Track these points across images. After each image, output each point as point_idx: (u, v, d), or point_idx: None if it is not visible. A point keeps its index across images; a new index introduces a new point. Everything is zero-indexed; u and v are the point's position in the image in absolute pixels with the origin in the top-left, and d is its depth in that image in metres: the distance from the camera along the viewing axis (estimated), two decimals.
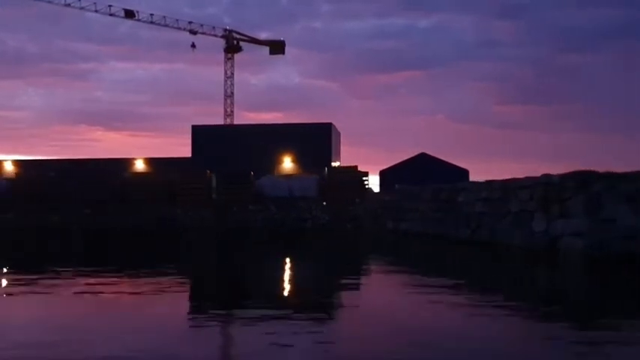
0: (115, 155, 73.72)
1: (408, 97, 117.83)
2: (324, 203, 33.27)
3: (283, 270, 14.98)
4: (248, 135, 59.91)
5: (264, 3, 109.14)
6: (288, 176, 36.19)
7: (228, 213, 33.20)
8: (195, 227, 31.96)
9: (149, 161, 61.92)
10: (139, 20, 79.90)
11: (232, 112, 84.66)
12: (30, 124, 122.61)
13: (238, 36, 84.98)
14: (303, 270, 15.21)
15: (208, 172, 35.78)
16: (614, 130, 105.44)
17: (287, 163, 54.12)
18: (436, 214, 22.31)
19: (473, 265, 15.79)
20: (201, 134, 62.82)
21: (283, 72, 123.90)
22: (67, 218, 33.01)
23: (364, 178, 35.62)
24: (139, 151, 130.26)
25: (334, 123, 63.01)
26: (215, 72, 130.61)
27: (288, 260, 17.23)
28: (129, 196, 34.58)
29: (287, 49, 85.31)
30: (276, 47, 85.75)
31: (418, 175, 45.93)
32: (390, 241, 23.92)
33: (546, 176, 16.23)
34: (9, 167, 60.42)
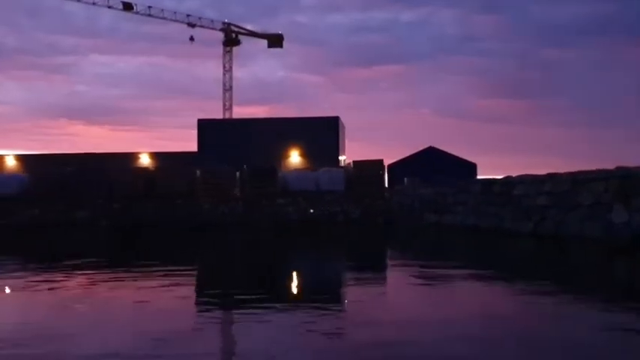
0: (98, 150, 72.87)
1: (392, 91, 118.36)
2: (353, 197, 33.19)
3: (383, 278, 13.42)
4: (254, 129, 59.65)
5: None
6: (315, 170, 35.97)
7: (258, 208, 33.05)
8: (229, 222, 31.83)
9: (154, 156, 61.50)
10: (137, 13, 78.93)
11: (231, 105, 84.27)
12: (9, 119, 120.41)
13: (237, 29, 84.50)
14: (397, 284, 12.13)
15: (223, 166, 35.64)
16: (595, 124, 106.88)
17: (294, 157, 54.00)
18: (488, 208, 22.40)
19: (568, 264, 14.22)
20: (207, 128, 62.45)
21: (267, 66, 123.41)
22: (94, 214, 32.61)
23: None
24: (121, 145, 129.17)
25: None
26: (200, 65, 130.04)
27: (370, 262, 16.31)
28: (154, 191, 34.21)
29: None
30: (275, 40, 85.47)
31: (427, 169, 46.08)
32: (440, 236, 23.27)
33: (623, 169, 16.37)
34: (10, 162, 59.73)
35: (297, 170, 37.17)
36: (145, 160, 60.34)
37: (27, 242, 24.71)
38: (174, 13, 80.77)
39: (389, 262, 16.70)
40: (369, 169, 34.19)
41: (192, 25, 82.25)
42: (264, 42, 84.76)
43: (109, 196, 33.70)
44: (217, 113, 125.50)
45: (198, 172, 35.24)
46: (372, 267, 14.87)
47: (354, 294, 10.61)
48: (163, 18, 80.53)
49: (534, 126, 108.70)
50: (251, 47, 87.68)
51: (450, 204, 25.29)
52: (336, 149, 59.73)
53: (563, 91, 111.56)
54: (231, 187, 34.39)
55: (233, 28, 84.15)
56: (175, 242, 23.36)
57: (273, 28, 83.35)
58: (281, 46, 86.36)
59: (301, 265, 15.27)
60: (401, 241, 23.03)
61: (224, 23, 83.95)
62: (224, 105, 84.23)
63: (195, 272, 14.15)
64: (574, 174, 18.53)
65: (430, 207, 27.10)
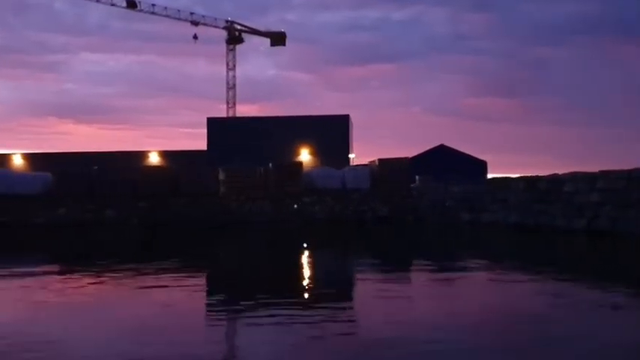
0: (88, 149, 72.43)
1: (383, 90, 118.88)
2: (379, 195, 33.20)
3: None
4: (264, 127, 59.62)
5: None
6: (341, 167, 35.95)
7: (284, 206, 32.99)
8: (256, 221, 31.77)
9: (163, 154, 61.37)
10: (140, 11, 78.60)
11: (234, 103, 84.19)
12: None
13: (240, 27, 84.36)
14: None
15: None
16: (585, 122, 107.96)
17: (304, 155, 54.00)
18: (533, 205, 22.49)
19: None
20: (216, 126, 62.35)
21: (258, 64, 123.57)
22: (122, 212, 32.39)
23: None
24: (112, 144, 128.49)
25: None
26: (190, 63, 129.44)
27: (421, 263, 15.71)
28: (180, 189, 34.04)
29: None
30: (278, 39, 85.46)
31: (438, 167, 46.27)
32: (489, 235, 22.87)
33: None
34: (18, 161, 59.34)
35: (321, 168, 37.05)
36: (154, 159, 60.23)
37: (75, 242, 24.58)
38: (178, 11, 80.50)
39: (460, 264, 15.08)
40: (394, 166, 34.17)
41: (195, 23, 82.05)
42: (267, 40, 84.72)
43: (133, 195, 33.47)
44: (208, 111, 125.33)
45: (221, 170, 35.13)
46: (450, 268, 14.56)
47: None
48: (167, 16, 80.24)
49: (525, 124, 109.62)
50: (253, 46, 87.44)
51: (488, 202, 25.35)
52: (346, 147, 59.88)
53: (553, 89, 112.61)
54: (257, 185, 34.24)
55: (236, 26, 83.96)
56: (215, 242, 23.30)
57: (263, 27, 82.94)
58: (284, 44, 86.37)
59: (358, 277, 13.32)
60: (450, 240, 22.40)
61: (227, 21, 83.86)
62: (227, 103, 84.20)
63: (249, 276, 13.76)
64: (630, 171, 18.65)
65: (465, 205, 27.16)
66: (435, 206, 30.16)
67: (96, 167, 35.86)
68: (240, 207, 33.30)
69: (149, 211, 32.72)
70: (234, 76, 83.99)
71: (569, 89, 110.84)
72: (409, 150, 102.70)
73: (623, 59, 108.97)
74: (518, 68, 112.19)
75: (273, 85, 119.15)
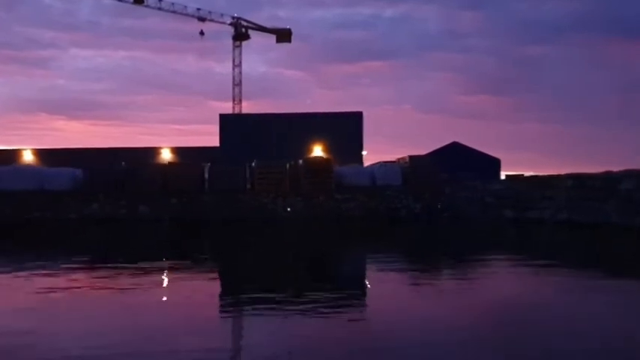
0: (77, 145, 71.85)
1: (374, 88, 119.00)
2: (412, 192, 33.20)
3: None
4: (277, 124, 59.48)
5: None
6: (371, 164, 35.90)
7: (317, 203, 32.92)
8: (290, 218, 31.73)
9: (176, 151, 61.07)
10: (147, 7, 78.21)
11: (240, 100, 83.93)
12: None
13: (246, 23, 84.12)
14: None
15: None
16: (574, 120, 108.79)
17: (317, 152, 53.89)
18: (585, 203, 22.58)
19: None
20: (229, 123, 62.12)
21: (249, 61, 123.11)
22: (155, 209, 32.18)
23: None
24: (103, 140, 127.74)
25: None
26: (181, 60, 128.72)
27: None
28: (210, 185, 33.87)
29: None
30: (283, 35, 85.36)
31: (451, 165, 46.33)
32: (544, 233, 22.47)
33: None
34: (28, 157, 58.81)
35: (353, 165, 37.01)
36: (166, 155, 59.90)
37: (117, 239, 24.45)
38: (185, 7, 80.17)
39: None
40: (425, 163, 34.20)
41: (202, 20, 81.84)
42: (273, 37, 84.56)
43: (163, 191, 33.28)
44: (200, 108, 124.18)
45: (250, 166, 35.03)
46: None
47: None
48: (173, 12, 79.87)
49: (516, 122, 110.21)
50: (259, 42, 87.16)
51: (536, 199, 25.42)
52: (359, 144, 59.82)
53: (544, 87, 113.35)
54: (287, 181, 34.12)
55: (242, 22, 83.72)
56: (259, 241, 23.18)
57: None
58: (289, 40, 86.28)
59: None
60: (506, 239, 21.76)
61: (233, 17, 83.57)
62: (233, 99, 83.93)
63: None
64: None
65: (507, 202, 27.22)
66: (471, 203, 30.19)
67: (123, 163, 35.64)
68: (273, 203, 33.20)
69: (181, 207, 32.55)
70: (240, 73, 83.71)
71: (559, 87, 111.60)
72: (402, 148, 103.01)
73: (613, 57, 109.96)
74: (509, 66, 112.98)
75: (264, 82, 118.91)
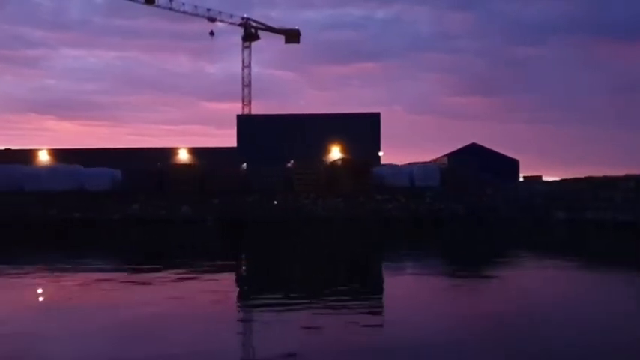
0: (69, 145, 71.36)
1: (364, 88, 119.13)
2: (452, 193, 33.23)
3: None
4: (294, 125, 59.42)
5: None
6: (410, 165, 35.92)
7: (358, 204, 32.87)
8: (331, 218, 31.65)
9: (193, 151, 60.83)
10: (158, 7, 77.91)
11: (250, 101, 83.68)
12: None
13: (255, 24, 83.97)
14: None
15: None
16: (564, 121, 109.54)
17: (335, 153, 53.87)
18: None
19: None
20: (246, 124, 62.03)
21: (240, 61, 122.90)
22: (196, 210, 32.00)
23: None
24: (94, 141, 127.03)
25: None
26: (172, 60, 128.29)
27: None
28: (249, 186, 33.74)
29: (287, 38, 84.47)
30: (292, 36, 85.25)
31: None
32: (595, 234, 22.70)
33: None
34: (44, 157, 58.29)
35: (391, 165, 37.01)
36: (183, 156, 59.71)
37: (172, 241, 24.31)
38: (195, 7, 79.92)
39: None
40: (464, 164, 34.27)
41: (212, 20, 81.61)
42: (282, 38, 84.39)
43: (201, 192, 33.12)
44: (192, 108, 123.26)
45: (287, 167, 35.02)
46: None
47: None
48: (184, 12, 79.61)
49: (505, 122, 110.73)
50: (268, 43, 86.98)
51: (591, 199, 25.49)
52: (377, 145, 59.86)
53: (534, 88, 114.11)
54: (326, 182, 34.05)
55: (252, 23, 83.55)
56: (307, 242, 23.12)
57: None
58: (298, 41, 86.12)
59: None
60: (579, 243, 21.12)
61: (243, 18, 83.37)
62: (243, 100, 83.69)
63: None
64: None
65: (559, 204, 27.28)
66: (515, 205, 30.23)
67: (159, 164, 35.45)
68: (314, 204, 33.11)
69: (223, 208, 32.39)
70: (249, 74, 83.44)
71: (549, 88, 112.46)
72: (397, 150, 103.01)
73: (602, 58, 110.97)
74: (500, 67, 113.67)
75: (255, 82, 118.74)
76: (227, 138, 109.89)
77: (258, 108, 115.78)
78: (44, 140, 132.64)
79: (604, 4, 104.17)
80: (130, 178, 32.97)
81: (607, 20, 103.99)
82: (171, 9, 78.36)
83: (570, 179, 29.20)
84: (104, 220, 30.21)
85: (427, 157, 52.73)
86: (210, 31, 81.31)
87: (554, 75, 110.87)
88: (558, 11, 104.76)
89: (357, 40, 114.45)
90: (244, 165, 36.00)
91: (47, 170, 32.66)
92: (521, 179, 51.20)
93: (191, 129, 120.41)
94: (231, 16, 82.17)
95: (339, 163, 34.57)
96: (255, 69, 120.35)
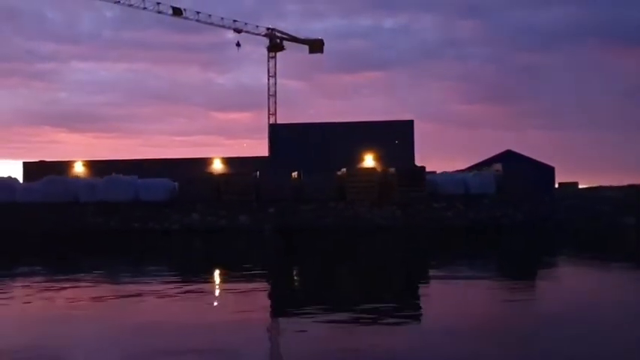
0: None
1: (374, 97, 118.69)
2: (510, 201, 32.88)
3: None
4: (328, 133, 59.29)
5: (228, 1, 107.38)
6: (463, 172, 35.66)
7: (416, 212, 32.61)
8: (389, 227, 31.45)
9: (226, 161, 60.80)
10: (186, 18, 78.28)
11: (275, 110, 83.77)
12: None
13: (280, 34, 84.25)
14: None
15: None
16: (574, 127, 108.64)
17: (369, 161, 53.62)
18: None
19: None
20: (279, 133, 61.97)
21: (251, 71, 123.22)
22: (254, 219, 31.84)
23: None
24: (107, 153, 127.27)
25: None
26: (182, 71, 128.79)
27: None
28: (302, 194, 33.54)
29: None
30: (316, 46, 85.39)
31: None
32: None
33: None
34: (79, 168, 58.39)
35: (445, 173, 36.76)
36: (217, 165, 59.67)
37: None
38: (222, 19, 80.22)
39: None
40: (519, 171, 33.97)
41: (238, 31, 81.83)
42: (306, 48, 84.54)
43: (257, 201, 32.97)
44: (202, 119, 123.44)
45: (340, 174, 34.85)
46: None
47: None
48: (211, 24, 79.95)
49: (515, 130, 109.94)
50: (292, 53, 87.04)
51: None
52: (411, 153, 59.58)
53: (543, 95, 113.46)
54: (381, 189, 33.80)
55: (277, 33, 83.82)
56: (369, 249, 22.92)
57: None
58: (322, 51, 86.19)
59: None
60: None
61: (268, 29, 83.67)
62: (269, 110, 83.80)
63: None
64: None
65: (627, 210, 26.94)
66: (579, 212, 29.88)
67: (214, 174, 35.35)
68: (370, 212, 32.85)
69: (279, 217, 32.19)
70: (275, 84, 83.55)
71: (558, 94, 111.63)
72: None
73: (612, 64, 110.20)
74: (509, 74, 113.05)
75: (266, 92, 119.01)
76: (238, 148, 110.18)
77: (266, 117, 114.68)
78: (54, 153, 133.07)
79: (614, 9, 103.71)
80: (187, 188, 32.79)
81: (617, 26, 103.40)
82: (198, 20, 78.67)
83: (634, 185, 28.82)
84: (164, 230, 30.06)
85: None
86: (236, 42, 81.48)
87: (564, 81, 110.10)
88: (568, 17, 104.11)
89: (365, 48, 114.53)
90: (294, 173, 35.78)
91: (104, 181, 32.50)
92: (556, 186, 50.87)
93: (202, 139, 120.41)
94: (257, 27, 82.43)
95: (393, 170, 34.28)
96: (263, 79, 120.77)
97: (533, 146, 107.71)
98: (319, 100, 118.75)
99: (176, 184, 32.99)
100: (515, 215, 32.20)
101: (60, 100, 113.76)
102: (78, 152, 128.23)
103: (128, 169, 49.74)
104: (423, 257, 20.90)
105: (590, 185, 38.91)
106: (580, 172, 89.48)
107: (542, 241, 25.33)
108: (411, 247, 24.09)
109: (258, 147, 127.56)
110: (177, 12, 77.06)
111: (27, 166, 61.89)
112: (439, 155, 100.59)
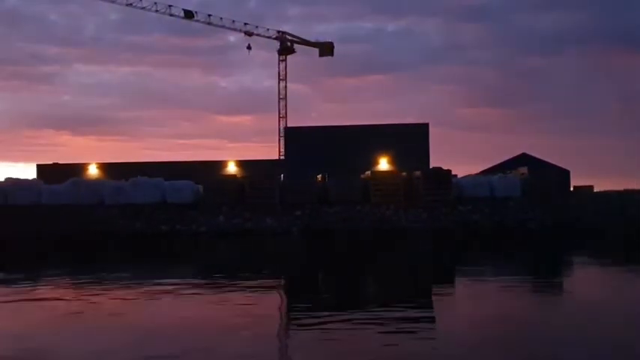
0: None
1: (377, 101, 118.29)
2: (538, 204, 32.73)
3: None
4: (343, 136, 59.16)
5: (232, 4, 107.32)
6: (488, 174, 35.56)
7: (442, 215, 32.48)
8: (416, 229, 31.33)
9: (240, 164, 60.65)
10: (197, 21, 78.29)
11: (286, 114, 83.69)
12: None
13: (290, 37, 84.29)
14: None
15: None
16: (577, 131, 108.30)
17: (384, 164, 53.48)
18: None
19: None
20: (294, 136, 61.88)
21: (253, 75, 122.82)
22: (280, 221, 31.74)
23: None
24: (110, 155, 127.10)
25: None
26: (185, 75, 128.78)
27: None
28: (326, 197, 33.44)
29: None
30: (326, 49, 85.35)
31: None
32: None
33: None
34: (93, 170, 58.15)
35: (471, 176, 36.64)
36: (231, 168, 59.50)
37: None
38: (233, 22, 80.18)
39: None
40: (545, 174, 33.88)
41: (249, 34, 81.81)
42: (316, 50, 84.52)
43: (281, 203, 32.87)
44: (206, 122, 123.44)
45: (363, 177, 34.77)
46: None
47: None
48: (222, 26, 79.96)
49: (518, 134, 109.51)
50: (302, 57, 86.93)
51: None
52: (426, 156, 59.41)
53: (546, 99, 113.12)
54: (405, 192, 33.66)
55: (287, 37, 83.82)
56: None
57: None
58: (332, 54, 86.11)
59: None
60: None
61: (279, 32, 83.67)
62: (279, 113, 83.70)
63: None
64: None
65: None
66: (607, 215, 29.74)
67: (238, 177, 35.27)
68: (396, 215, 32.72)
69: (306, 219, 32.08)
70: (285, 87, 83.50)
71: (562, 99, 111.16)
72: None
73: (615, 69, 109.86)
74: (512, 78, 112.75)
75: (269, 95, 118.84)
76: (242, 151, 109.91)
77: (272, 120, 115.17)
78: (57, 155, 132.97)
79: (617, 13, 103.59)
80: (211, 190, 32.70)
81: (620, 30, 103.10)
82: (209, 23, 78.70)
83: None
84: (192, 233, 29.96)
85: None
86: (247, 45, 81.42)
87: (567, 85, 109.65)
88: (571, 21, 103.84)
89: (368, 52, 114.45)
90: (319, 176, 35.70)
91: (130, 183, 32.40)
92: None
93: (205, 143, 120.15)
94: (268, 29, 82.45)
95: (419, 173, 34.15)
96: (267, 82, 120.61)
97: (536, 149, 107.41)
98: (321, 103, 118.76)
99: (199, 186, 32.81)
100: (544, 218, 31.99)
101: (63, 103, 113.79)
102: (81, 155, 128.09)
103: (142, 171, 49.65)
104: (467, 261, 20.75)
105: (605, 189, 38.77)
106: (591, 175, 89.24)
107: (587, 246, 25.08)
108: (450, 251, 23.93)
109: (264, 150, 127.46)
110: (188, 15, 77.10)
111: (41, 168, 61.74)
112: (446, 159, 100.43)
